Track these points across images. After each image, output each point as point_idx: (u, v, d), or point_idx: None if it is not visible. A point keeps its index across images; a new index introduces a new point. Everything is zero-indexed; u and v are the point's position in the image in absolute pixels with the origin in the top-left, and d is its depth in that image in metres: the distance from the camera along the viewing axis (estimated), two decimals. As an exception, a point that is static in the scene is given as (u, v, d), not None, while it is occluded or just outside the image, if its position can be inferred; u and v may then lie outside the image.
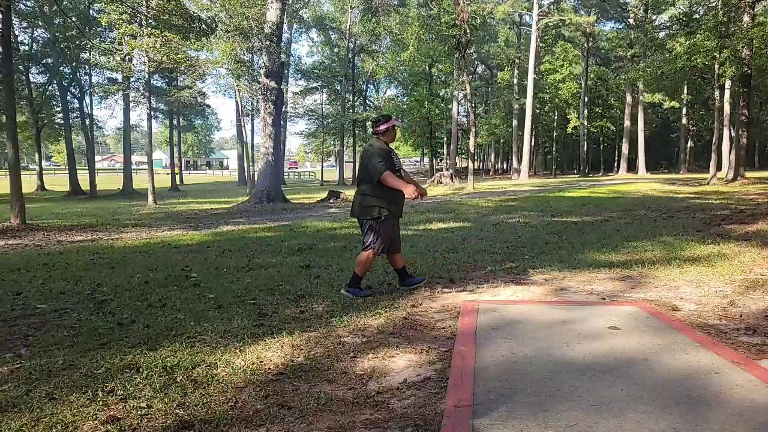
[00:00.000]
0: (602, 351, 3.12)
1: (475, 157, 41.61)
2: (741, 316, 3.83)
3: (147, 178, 20.91)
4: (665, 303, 4.20)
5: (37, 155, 37.05)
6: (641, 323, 3.64)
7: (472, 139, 25.40)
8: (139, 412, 2.49)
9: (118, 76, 31.07)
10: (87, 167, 34.16)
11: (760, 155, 50.00)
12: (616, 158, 47.28)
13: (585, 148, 42.45)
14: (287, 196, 19.13)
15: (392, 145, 4.84)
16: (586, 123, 41.26)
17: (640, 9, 36.86)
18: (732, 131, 27.92)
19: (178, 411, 2.50)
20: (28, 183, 24.27)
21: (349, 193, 21.03)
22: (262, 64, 18.80)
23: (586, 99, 41.37)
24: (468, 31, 22.83)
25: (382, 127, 4.73)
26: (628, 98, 39.08)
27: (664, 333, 3.43)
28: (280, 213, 14.54)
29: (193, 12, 15.62)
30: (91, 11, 28.28)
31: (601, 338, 3.35)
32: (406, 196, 4.53)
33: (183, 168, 58.90)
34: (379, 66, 44.62)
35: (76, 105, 33.67)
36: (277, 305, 4.35)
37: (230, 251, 7.34)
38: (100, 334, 3.68)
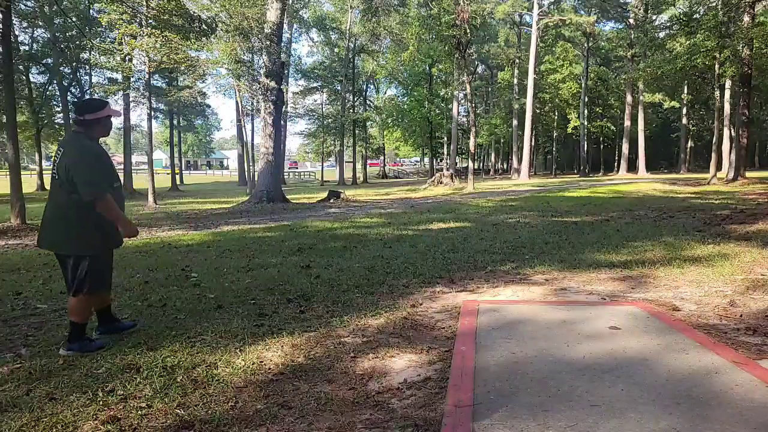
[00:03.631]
0: (602, 351, 3.12)
1: (475, 157, 41.67)
2: (741, 316, 3.83)
3: (147, 178, 20.91)
4: (665, 303, 4.19)
5: (37, 155, 37.07)
6: (641, 323, 3.63)
7: (472, 139, 25.40)
8: (139, 412, 2.49)
9: (118, 76, 31.08)
10: (87, 167, 34.09)
11: (760, 155, 50.05)
12: (616, 158, 47.31)
13: (585, 148, 42.46)
14: (287, 196, 19.12)
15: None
16: (586, 123, 41.27)
17: (640, 9, 36.87)
18: (732, 131, 27.92)
19: (178, 411, 2.50)
20: (28, 183, 24.28)
21: (350, 193, 21.03)
22: (262, 64, 18.79)
23: (586, 99, 41.38)
24: (468, 31, 22.82)
25: (91, 117, 3.34)
26: (629, 98, 39.09)
27: (665, 333, 3.42)
28: (281, 213, 14.53)
29: (193, 12, 15.61)
30: (91, 11, 28.32)
31: (602, 338, 3.35)
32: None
33: (183, 168, 58.99)
34: (379, 66, 44.64)
35: (77, 105, 33.68)
36: (277, 305, 4.35)
37: (230, 251, 7.33)
38: (100, 334, 3.67)
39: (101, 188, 3.23)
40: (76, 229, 3.27)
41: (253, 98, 29.05)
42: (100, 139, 3.68)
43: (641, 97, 37.94)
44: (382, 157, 61.31)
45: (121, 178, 32.25)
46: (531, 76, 33.63)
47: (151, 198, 19.81)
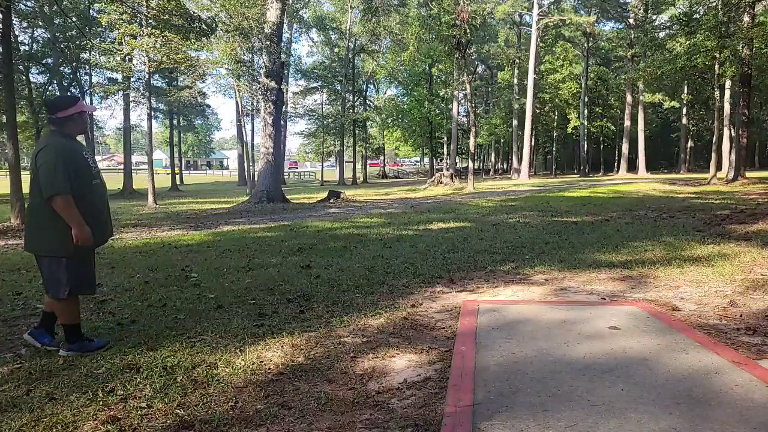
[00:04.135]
0: (602, 351, 3.12)
1: (475, 157, 41.66)
2: (741, 316, 3.83)
3: (147, 178, 20.92)
4: (665, 303, 4.19)
5: (37, 155, 37.05)
6: (641, 323, 3.63)
7: (472, 139, 25.41)
8: (139, 412, 2.49)
9: (118, 76, 31.10)
10: (87, 167, 34.09)
11: (760, 155, 50.05)
12: (616, 158, 47.31)
13: (585, 148, 42.46)
14: (287, 196, 19.13)
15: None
16: (586, 123, 41.26)
17: (640, 9, 36.87)
18: (732, 131, 27.92)
19: (178, 411, 2.50)
20: (28, 183, 24.26)
21: (350, 193, 21.03)
22: (262, 64, 18.80)
23: (586, 99, 41.38)
24: (468, 31, 22.81)
25: (62, 114, 3.26)
26: (629, 98, 39.09)
27: (665, 333, 3.42)
28: (281, 213, 14.53)
29: (193, 12, 15.61)
30: (91, 11, 28.31)
31: (602, 338, 3.35)
32: (74, 232, 3.14)
33: (183, 168, 59.01)
34: (379, 66, 44.64)
35: (76, 105, 33.65)
36: (277, 305, 4.35)
37: (230, 251, 7.33)
38: (100, 334, 3.68)
39: (59, 188, 3.09)
40: (50, 229, 3.15)
41: (253, 98, 29.06)
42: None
43: (641, 97, 37.94)
44: (382, 157, 61.30)
45: (121, 179, 32.02)
46: (531, 76, 33.63)
47: (151, 198, 19.82)
